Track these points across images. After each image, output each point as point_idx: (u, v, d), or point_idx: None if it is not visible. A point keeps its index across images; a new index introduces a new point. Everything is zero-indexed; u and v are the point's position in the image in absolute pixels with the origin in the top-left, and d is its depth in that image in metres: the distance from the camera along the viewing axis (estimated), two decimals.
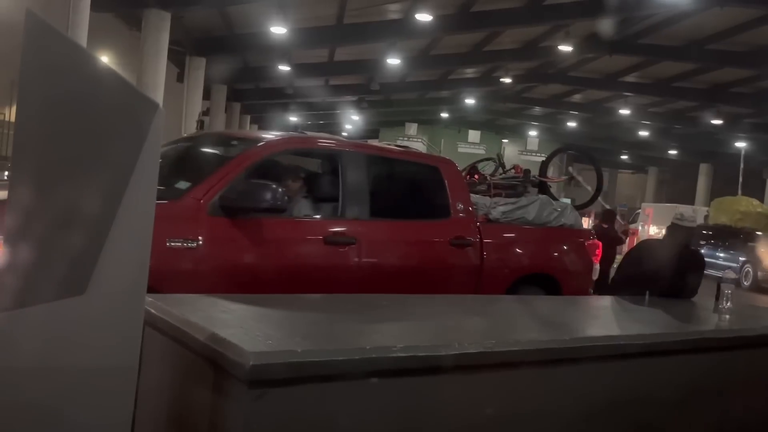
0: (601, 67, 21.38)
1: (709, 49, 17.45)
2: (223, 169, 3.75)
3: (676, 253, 4.62)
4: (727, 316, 3.85)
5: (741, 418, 3.44)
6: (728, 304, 3.93)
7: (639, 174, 42.46)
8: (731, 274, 4.13)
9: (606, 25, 17.08)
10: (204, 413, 2.02)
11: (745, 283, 16.51)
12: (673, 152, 33.12)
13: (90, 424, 1.56)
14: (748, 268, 16.87)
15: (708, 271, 17.35)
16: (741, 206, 20.54)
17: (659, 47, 18.10)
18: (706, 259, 19.44)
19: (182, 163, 4.19)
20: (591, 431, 2.75)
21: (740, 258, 17.18)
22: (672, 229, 4.80)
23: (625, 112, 26.03)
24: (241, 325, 2.31)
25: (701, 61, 18.55)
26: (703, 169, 33.40)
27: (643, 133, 29.45)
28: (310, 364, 1.95)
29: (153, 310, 2.34)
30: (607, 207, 13.54)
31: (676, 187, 36.71)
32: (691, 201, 30.40)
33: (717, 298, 4.03)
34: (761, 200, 23.87)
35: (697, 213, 23.02)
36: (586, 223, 21.41)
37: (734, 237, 18.30)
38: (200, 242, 3.45)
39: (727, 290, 3.96)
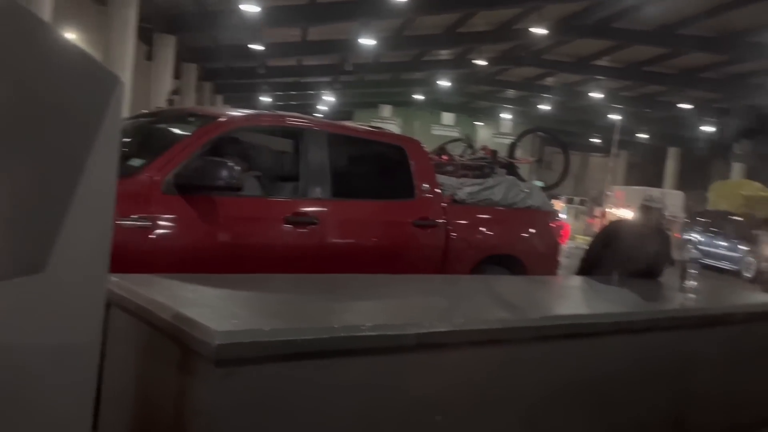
0: (574, 50, 21.51)
1: (680, 34, 17.65)
2: (177, 146, 3.64)
3: (644, 234, 4.70)
4: (692, 296, 3.94)
5: (704, 393, 3.53)
6: (693, 283, 4.01)
7: (609, 157, 42.98)
8: (696, 254, 4.21)
9: (578, 8, 17.18)
10: (171, 392, 2.01)
11: (746, 274, 15.05)
12: (643, 136, 33.57)
13: (51, 402, 1.53)
14: (751, 258, 15.22)
15: (707, 261, 17.36)
16: (744, 190, 19.22)
17: (630, 31, 18.25)
18: (704, 248, 19.21)
19: (136, 139, 4.09)
20: (559, 408, 2.79)
21: (742, 247, 15.64)
22: (642, 210, 4.89)
23: (596, 95, 26.26)
24: (208, 305, 2.29)
25: (671, 45, 18.76)
26: (672, 152, 33.94)
27: (615, 117, 29.77)
28: (278, 343, 1.94)
29: (119, 290, 2.31)
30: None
31: (646, 170, 37.29)
32: (659, 184, 30.92)
33: (682, 277, 4.11)
34: None
35: (665, 196, 23.28)
36: (557, 206, 21.55)
37: (735, 224, 16.61)
38: (154, 221, 3.37)
39: (691, 270, 4.04)
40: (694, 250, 4.03)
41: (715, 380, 3.60)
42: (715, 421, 3.63)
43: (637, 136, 33.09)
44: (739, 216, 17.20)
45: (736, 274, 15.28)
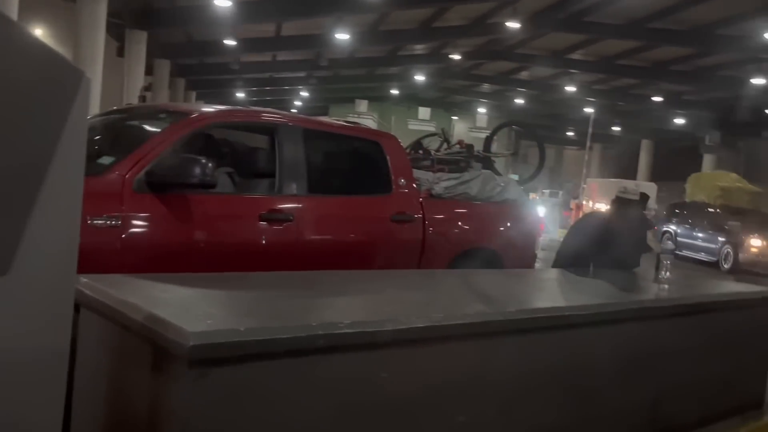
0: (547, 44, 21.64)
1: (651, 28, 17.86)
2: (149, 143, 3.56)
3: (620, 225, 4.74)
4: (666, 286, 3.98)
5: (678, 382, 3.58)
6: (667, 274, 4.06)
7: (584, 150, 43.47)
8: (670, 245, 4.26)
9: (551, 2, 17.29)
10: (144, 395, 1.97)
11: (725, 265, 14.98)
12: (616, 129, 33.98)
13: (18, 409, 1.48)
14: (728, 249, 15.03)
15: (685, 252, 17.40)
16: (720, 181, 19.11)
17: (603, 25, 18.42)
18: (682, 240, 18.92)
19: (106, 136, 4.00)
20: (538, 400, 2.80)
21: (719, 238, 15.44)
22: (616, 202, 4.93)
23: (570, 89, 26.49)
24: (182, 305, 2.25)
25: (643, 39, 18.98)
26: (645, 145, 34.42)
27: (588, 110, 30.12)
28: (254, 343, 1.91)
29: (89, 291, 2.26)
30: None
31: (619, 162, 37.76)
32: (633, 176, 31.35)
33: (657, 268, 4.15)
34: None
35: (640, 187, 23.44)
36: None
37: (713, 215, 16.56)
38: (125, 220, 3.29)
39: (665, 261, 4.09)
40: (669, 242, 4.07)
41: (688, 369, 3.65)
42: (689, 410, 3.68)
43: (611, 129, 33.51)
44: (716, 207, 17.19)
45: (714, 265, 15.29)
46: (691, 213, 17.36)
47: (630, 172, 32.61)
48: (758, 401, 4.23)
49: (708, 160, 28.63)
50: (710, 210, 17.06)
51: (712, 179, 19.89)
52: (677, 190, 24.75)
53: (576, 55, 22.64)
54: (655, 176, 31.02)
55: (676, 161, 31.46)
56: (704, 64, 21.12)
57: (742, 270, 14.27)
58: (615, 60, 22.23)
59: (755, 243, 14.61)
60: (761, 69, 19.50)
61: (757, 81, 20.29)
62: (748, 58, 18.91)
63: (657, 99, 25.93)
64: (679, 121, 28.92)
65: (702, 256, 15.93)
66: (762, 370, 4.29)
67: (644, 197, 5.12)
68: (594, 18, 18.06)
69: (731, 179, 19.70)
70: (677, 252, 15.97)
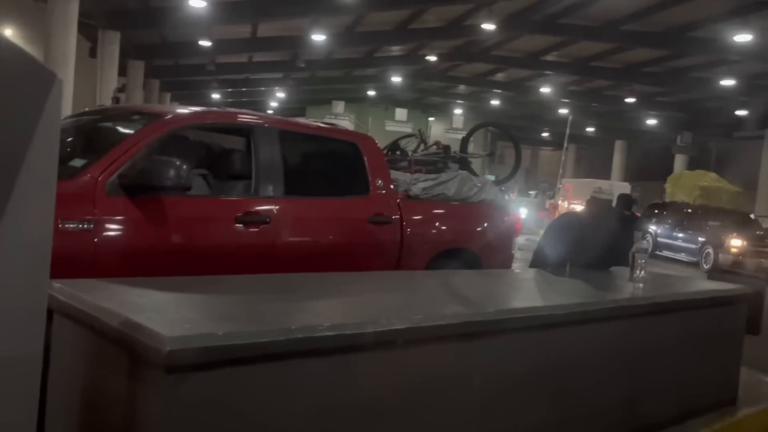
0: (523, 46, 21.83)
1: (624, 30, 18.11)
2: (122, 145, 3.51)
3: (595, 224, 4.79)
4: (641, 285, 4.03)
5: (652, 379, 3.63)
6: (642, 273, 4.11)
7: (559, 151, 43.96)
8: (644, 245, 4.31)
9: (527, 4, 17.44)
10: (120, 403, 1.93)
11: (704, 265, 14.93)
12: (590, 129, 34.38)
13: None
14: (708, 249, 14.99)
15: (664, 253, 17.33)
16: (700, 181, 19.19)
17: (577, 27, 18.63)
18: (662, 240, 18.95)
19: (78, 139, 3.93)
20: (518, 399, 2.82)
21: (699, 238, 15.46)
22: (591, 201, 4.98)
23: (545, 90, 26.76)
24: (158, 309, 2.21)
25: (617, 41, 19.24)
26: (618, 145, 34.89)
27: (563, 111, 30.44)
28: (232, 347, 1.89)
29: (62, 297, 2.22)
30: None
31: (594, 163, 38.24)
32: (606, 176, 31.76)
33: (632, 267, 4.19)
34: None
35: (614, 187, 23.73)
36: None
37: (692, 215, 16.59)
38: (97, 223, 3.24)
39: (640, 260, 4.13)
40: (644, 241, 4.12)
41: (663, 366, 3.69)
42: (664, 407, 3.73)
43: (585, 130, 33.89)
44: (696, 207, 17.16)
45: (694, 265, 15.31)
46: (670, 213, 17.28)
47: (603, 173, 33.03)
48: (732, 397, 4.31)
49: (680, 160, 29.12)
50: (690, 210, 17.03)
51: (692, 179, 19.86)
52: (649, 189, 25.02)
53: (551, 57, 22.87)
54: (628, 176, 31.46)
55: (648, 161, 31.98)
56: (676, 66, 21.47)
57: (722, 270, 14.06)
58: (589, 62, 22.50)
59: (735, 243, 14.50)
60: (731, 71, 19.90)
61: (728, 82, 20.68)
62: (718, 60, 19.28)
63: (630, 100, 26.31)
64: (652, 122, 29.37)
65: (682, 257, 15.97)
66: (735, 366, 4.36)
67: (630, 199, 5.18)
68: (568, 20, 18.26)
69: (711, 179, 19.70)
70: (657, 253, 16.12)
